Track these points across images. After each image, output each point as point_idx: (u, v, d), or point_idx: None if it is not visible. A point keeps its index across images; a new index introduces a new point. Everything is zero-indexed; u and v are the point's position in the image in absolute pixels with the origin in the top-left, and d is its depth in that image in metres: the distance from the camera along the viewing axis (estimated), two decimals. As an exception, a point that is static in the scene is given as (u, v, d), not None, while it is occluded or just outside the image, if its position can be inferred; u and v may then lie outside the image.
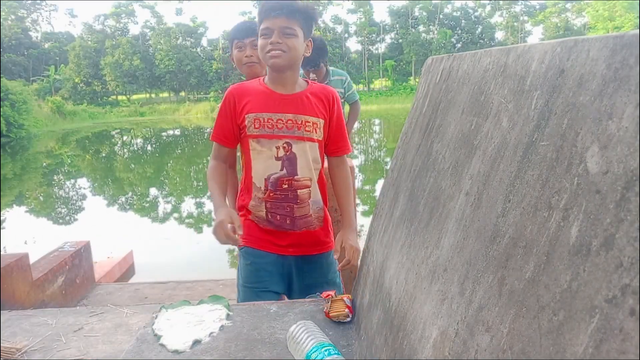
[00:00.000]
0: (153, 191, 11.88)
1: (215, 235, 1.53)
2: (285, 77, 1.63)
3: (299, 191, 1.70)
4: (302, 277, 1.78)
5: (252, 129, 1.64)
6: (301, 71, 3.27)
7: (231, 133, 1.69)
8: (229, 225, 1.53)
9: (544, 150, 0.57)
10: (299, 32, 1.54)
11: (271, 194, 1.68)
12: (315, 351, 1.18)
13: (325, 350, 1.18)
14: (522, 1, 53.31)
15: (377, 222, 1.53)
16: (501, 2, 52.91)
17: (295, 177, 1.68)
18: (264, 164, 1.67)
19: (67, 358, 2.41)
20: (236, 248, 1.82)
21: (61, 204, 10.68)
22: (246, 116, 1.64)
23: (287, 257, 1.75)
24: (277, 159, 1.66)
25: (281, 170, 1.67)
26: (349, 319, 1.47)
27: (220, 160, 1.74)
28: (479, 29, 52.80)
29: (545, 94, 0.61)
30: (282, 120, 1.64)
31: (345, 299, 1.52)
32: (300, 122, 1.64)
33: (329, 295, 1.54)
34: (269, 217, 1.71)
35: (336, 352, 1.19)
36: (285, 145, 1.65)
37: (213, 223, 1.54)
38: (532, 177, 0.59)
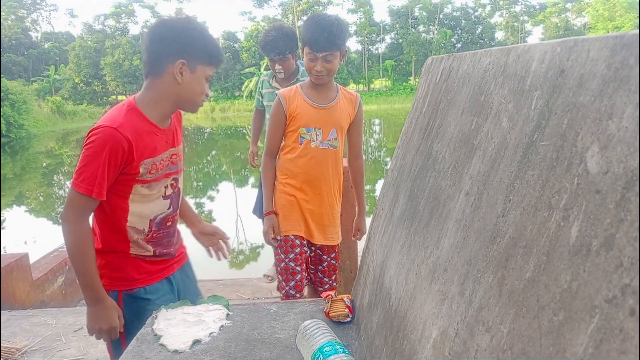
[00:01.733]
0: (153, 191, 11.86)
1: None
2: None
3: (177, 224, 1.67)
4: (186, 285, 1.73)
5: (146, 175, 1.47)
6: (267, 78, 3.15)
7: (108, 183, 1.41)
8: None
9: (544, 150, 0.57)
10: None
11: (154, 235, 1.56)
12: (328, 345, 1.18)
13: (340, 348, 1.18)
14: (522, 1, 53.32)
15: (377, 222, 1.53)
16: (501, 2, 52.92)
17: (177, 211, 1.63)
18: (149, 206, 1.53)
19: (67, 358, 2.41)
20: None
21: (61, 204, 10.67)
22: (142, 163, 1.45)
23: (174, 274, 1.67)
24: (165, 197, 1.56)
25: (168, 208, 1.57)
26: (349, 319, 1.47)
27: None
28: (479, 29, 52.81)
29: (545, 94, 0.61)
30: (168, 158, 1.54)
31: (345, 299, 1.52)
32: (177, 154, 1.59)
33: (329, 295, 1.54)
34: (157, 253, 1.59)
35: (348, 352, 1.19)
36: (173, 182, 1.57)
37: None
38: (532, 177, 0.59)
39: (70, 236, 1.42)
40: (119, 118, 1.42)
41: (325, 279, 2.23)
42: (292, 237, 2.07)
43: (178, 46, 1.43)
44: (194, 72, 1.45)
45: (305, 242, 2.11)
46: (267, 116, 3.15)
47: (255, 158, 3.53)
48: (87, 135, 1.40)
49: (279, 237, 2.09)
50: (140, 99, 1.50)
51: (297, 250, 2.09)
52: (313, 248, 2.18)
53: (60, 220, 1.43)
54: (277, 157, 2.17)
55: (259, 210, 3.44)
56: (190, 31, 1.45)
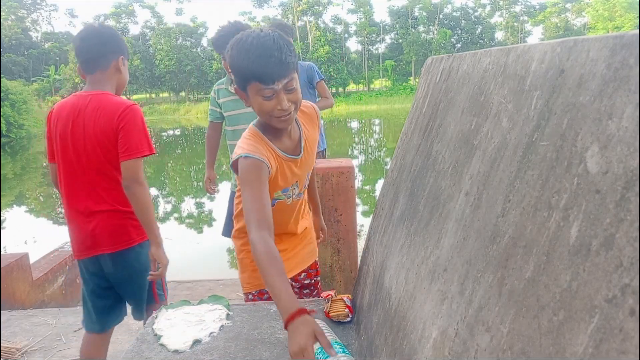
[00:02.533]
0: (153, 191, 11.89)
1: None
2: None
3: None
4: None
5: None
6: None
7: None
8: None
9: (544, 150, 0.57)
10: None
11: None
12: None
13: (340, 348, 1.18)
14: (522, 1, 53.33)
15: (377, 222, 1.53)
16: (501, 2, 52.92)
17: None
18: None
19: (67, 358, 2.41)
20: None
21: (61, 204, 10.67)
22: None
23: None
24: None
25: None
26: (349, 319, 1.47)
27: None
28: (479, 29, 52.83)
29: (545, 94, 0.61)
30: None
31: (345, 299, 1.52)
32: None
33: (329, 295, 1.55)
34: None
35: (348, 352, 1.19)
36: None
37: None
38: (532, 177, 0.59)
39: (145, 194, 1.82)
40: (124, 98, 1.91)
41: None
42: (266, 290, 1.59)
43: (116, 46, 1.91)
44: (125, 65, 1.96)
45: None
46: (228, 128, 2.85)
47: (213, 185, 3.12)
48: (120, 116, 1.81)
49: (253, 292, 1.72)
50: (107, 88, 1.90)
51: None
52: (296, 284, 1.83)
53: (132, 188, 1.80)
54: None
55: (229, 231, 3.18)
56: (118, 35, 1.97)
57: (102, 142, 1.82)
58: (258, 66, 1.28)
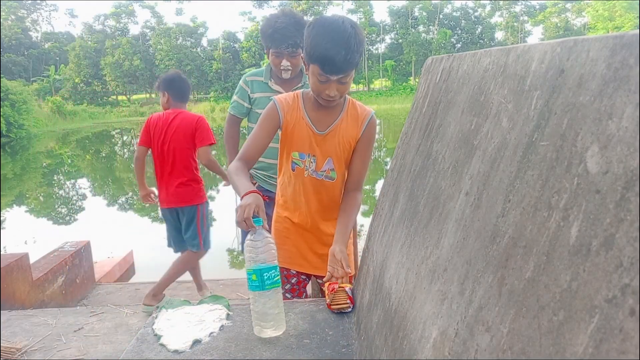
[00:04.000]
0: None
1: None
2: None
3: None
4: None
5: None
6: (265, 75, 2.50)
7: None
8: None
9: (544, 150, 0.57)
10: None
11: None
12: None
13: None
14: (522, 1, 53.35)
15: (377, 222, 1.53)
16: (501, 2, 52.96)
17: None
18: None
19: (67, 358, 2.42)
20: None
21: (61, 204, 10.67)
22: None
23: None
24: None
25: None
26: (350, 309, 1.52)
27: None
28: (479, 29, 52.87)
29: (545, 94, 0.61)
30: None
31: (347, 289, 1.55)
32: None
33: (333, 289, 1.57)
34: None
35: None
36: None
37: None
38: (532, 177, 0.59)
39: (217, 166, 3.04)
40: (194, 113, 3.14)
41: None
42: (287, 267, 1.80)
43: (164, 85, 3.09)
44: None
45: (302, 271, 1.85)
46: (251, 125, 2.52)
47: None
48: (197, 121, 2.99)
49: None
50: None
51: (294, 280, 1.83)
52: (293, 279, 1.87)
53: (209, 165, 3.01)
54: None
55: (242, 244, 2.83)
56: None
57: (186, 137, 2.95)
58: (324, 56, 1.44)
